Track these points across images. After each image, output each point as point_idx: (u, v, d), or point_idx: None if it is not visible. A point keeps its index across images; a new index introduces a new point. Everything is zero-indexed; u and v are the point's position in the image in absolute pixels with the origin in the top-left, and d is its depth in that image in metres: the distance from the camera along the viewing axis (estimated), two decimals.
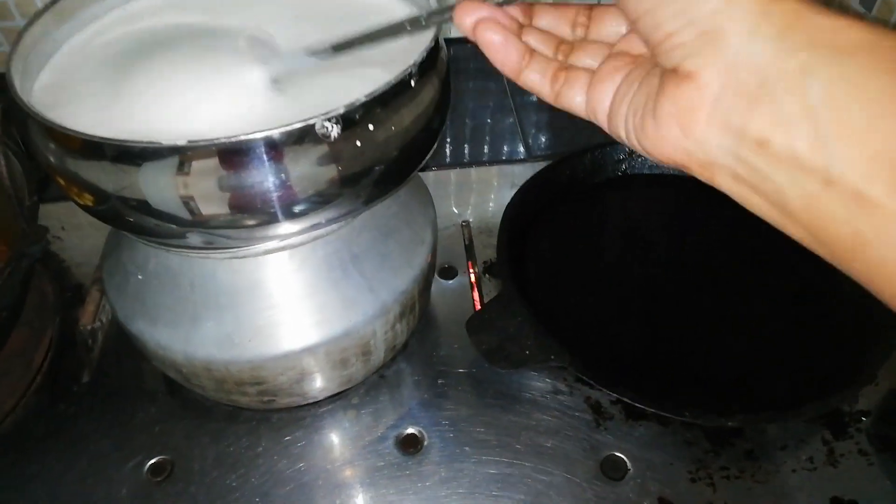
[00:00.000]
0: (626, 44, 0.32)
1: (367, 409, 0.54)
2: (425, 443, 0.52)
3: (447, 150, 0.80)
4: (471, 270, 0.65)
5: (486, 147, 0.80)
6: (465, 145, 0.80)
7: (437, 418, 0.53)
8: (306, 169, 0.37)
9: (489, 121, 0.84)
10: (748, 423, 0.50)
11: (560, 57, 0.34)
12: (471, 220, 0.69)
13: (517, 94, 0.87)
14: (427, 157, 0.45)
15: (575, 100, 0.32)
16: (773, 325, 0.58)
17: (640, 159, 0.72)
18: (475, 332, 0.54)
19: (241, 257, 0.45)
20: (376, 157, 0.40)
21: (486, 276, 0.64)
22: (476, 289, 0.63)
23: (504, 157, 0.78)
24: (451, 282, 0.64)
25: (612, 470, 0.50)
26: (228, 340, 0.46)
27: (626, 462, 0.51)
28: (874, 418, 0.53)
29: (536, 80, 0.33)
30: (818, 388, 0.51)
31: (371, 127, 0.38)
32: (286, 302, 0.46)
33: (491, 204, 0.72)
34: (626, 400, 0.50)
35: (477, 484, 0.50)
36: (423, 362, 0.57)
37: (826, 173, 0.24)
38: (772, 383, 0.53)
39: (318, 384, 0.51)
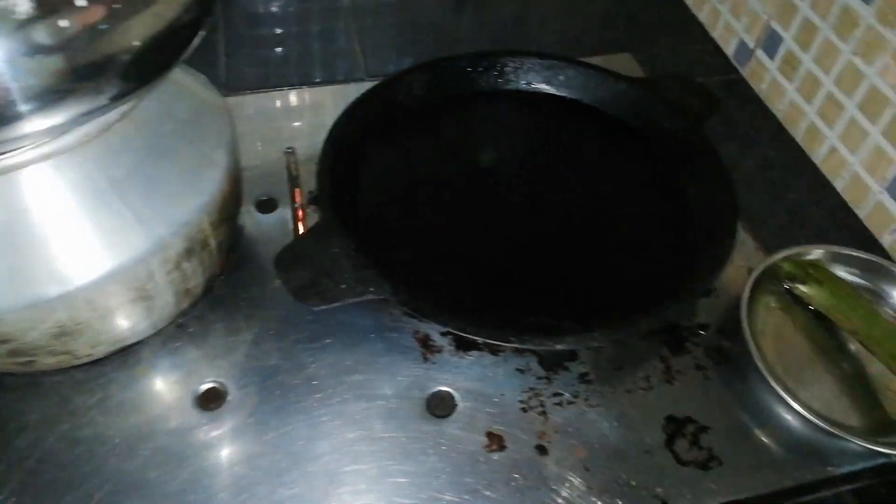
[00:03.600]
0: None
1: (161, 364, 0.47)
2: (229, 396, 0.45)
3: (283, 72, 0.71)
4: (295, 202, 0.57)
5: (322, 68, 0.72)
6: (300, 66, 0.72)
7: (243, 368, 0.47)
8: (5, 54, 0.29)
9: (327, 41, 0.76)
10: (578, 345, 0.46)
11: None
12: (297, 146, 0.62)
13: (359, 13, 0.79)
14: (184, 52, 0.37)
15: None
16: (607, 245, 0.54)
17: (483, 75, 0.66)
18: (285, 269, 0.47)
19: None
20: (96, 43, 0.32)
21: (312, 207, 0.57)
22: (299, 222, 0.56)
23: (340, 78, 0.71)
24: (270, 215, 0.56)
25: (438, 407, 0.46)
26: None
27: (454, 397, 0.46)
28: (712, 331, 0.51)
29: None
30: (654, 305, 0.47)
31: (81, 3, 0.30)
32: (25, 239, 0.38)
33: (323, 129, 0.64)
34: (451, 330, 0.45)
35: (287, 437, 0.44)
36: (230, 306, 0.50)
37: None
38: (607, 304, 0.50)
39: (88, 339, 0.43)
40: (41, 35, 0.30)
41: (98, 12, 0.32)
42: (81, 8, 0.31)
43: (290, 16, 0.79)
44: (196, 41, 0.38)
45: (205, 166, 0.45)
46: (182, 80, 0.47)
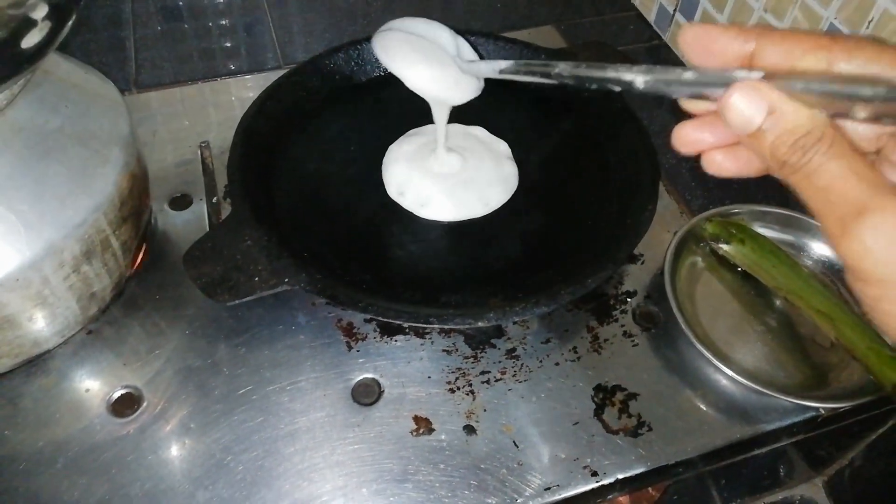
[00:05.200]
0: None
1: (72, 374, 0.45)
2: (144, 402, 0.44)
3: (196, 65, 0.69)
4: (211, 197, 0.55)
5: (237, 59, 0.70)
6: (214, 58, 0.70)
7: (160, 371, 0.45)
8: None
9: (242, 32, 0.74)
10: (499, 320, 0.45)
11: None
12: (212, 140, 0.60)
13: (273, 3, 0.77)
14: (54, 42, 0.35)
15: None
16: (535, 215, 0.53)
17: None
18: (195, 265, 0.45)
19: None
20: None
21: (228, 201, 0.55)
22: (217, 217, 0.54)
23: (255, 68, 0.69)
24: (184, 212, 0.54)
25: (364, 395, 0.44)
26: None
27: (379, 383, 0.45)
28: (640, 298, 0.50)
29: None
30: (577, 274, 0.47)
31: None
32: None
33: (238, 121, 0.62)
34: (372, 316, 0.44)
35: (208, 437, 0.42)
36: (144, 309, 0.48)
37: None
38: (534, 276, 0.49)
39: None
40: None
41: None
42: None
43: (205, 8, 0.76)
44: (66, 30, 0.36)
45: (97, 164, 0.42)
46: (70, 76, 0.45)
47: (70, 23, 0.37)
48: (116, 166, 0.43)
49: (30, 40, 0.34)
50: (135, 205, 0.46)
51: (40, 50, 0.35)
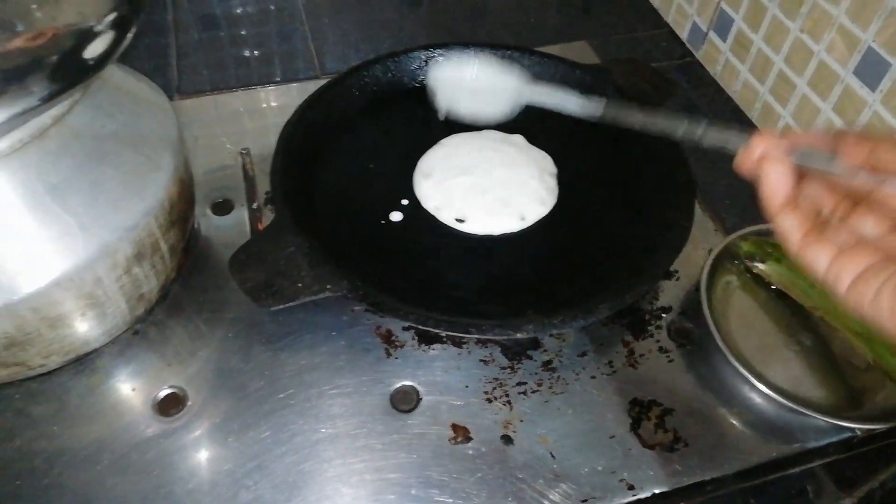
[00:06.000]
0: None
1: (118, 372, 0.46)
2: (189, 401, 0.45)
3: (236, 73, 0.70)
4: (252, 203, 0.57)
5: (276, 68, 0.71)
6: (253, 67, 0.71)
7: (203, 372, 0.46)
8: None
9: (280, 41, 0.75)
10: (538, 333, 0.46)
11: (838, 214, 0.32)
12: (253, 147, 0.61)
13: (312, 12, 0.79)
14: (117, 51, 0.37)
15: (818, 260, 0.31)
16: (572, 229, 0.54)
17: None
18: (240, 270, 0.47)
19: None
20: (25, 41, 0.31)
21: (269, 207, 0.56)
22: (256, 223, 0.55)
23: (295, 77, 0.70)
24: (226, 217, 0.55)
25: (402, 402, 0.45)
26: None
27: (418, 391, 0.46)
28: (675, 314, 0.51)
29: (787, 227, 0.32)
30: (614, 289, 0.47)
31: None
32: None
33: (279, 128, 0.64)
34: (412, 324, 0.45)
35: (250, 438, 0.43)
36: (188, 311, 0.49)
37: None
38: (570, 289, 0.49)
39: (40, 349, 0.42)
40: None
41: (21, 11, 0.31)
42: (5, 3, 0.30)
43: (243, 17, 0.78)
44: (127, 41, 0.37)
45: (149, 170, 0.44)
46: (123, 83, 0.46)
47: (131, 34, 0.38)
48: (167, 172, 0.44)
49: (92, 51, 0.36)
50: (182, 209, 0.47)
51: (102, 60, 0.36)
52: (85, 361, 0.46)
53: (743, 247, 0.52)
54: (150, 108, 0.46)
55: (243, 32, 0.75)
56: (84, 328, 0.43)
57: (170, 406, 0.44)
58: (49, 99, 0.34)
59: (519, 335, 0.43)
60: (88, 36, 0.34)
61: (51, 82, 0.34)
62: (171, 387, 0.45)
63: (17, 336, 0.40)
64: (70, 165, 0.39)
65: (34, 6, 0.32)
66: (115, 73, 0.46)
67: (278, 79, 0.70)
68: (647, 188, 0.56)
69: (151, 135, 0.45)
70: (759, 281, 0.52)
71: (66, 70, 0.34)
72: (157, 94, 0.49)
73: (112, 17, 0.35)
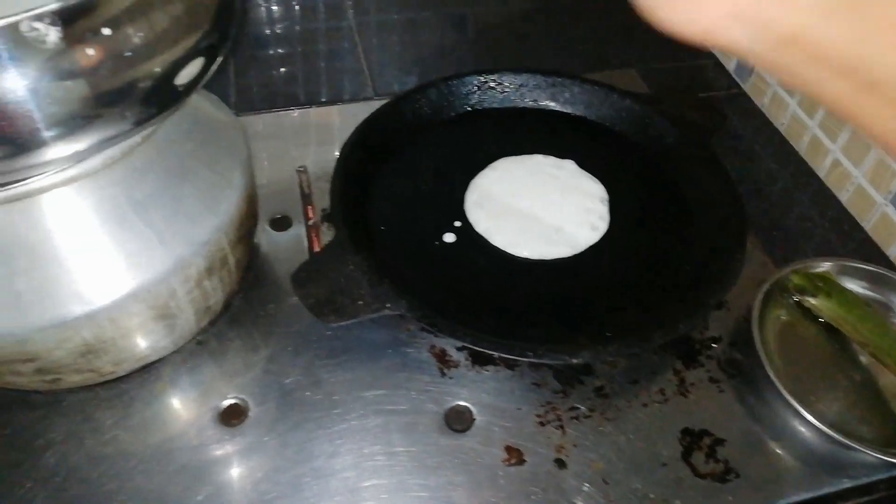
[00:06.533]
0: None
1: (182, 381, 0.47)
2: (250, 412, 0.46)
3: (291, 92, 0.72)
4: (309, 220, 0.58)
5: (330, 88, 0.73)
6: (308, 86, 0.73)
7: (264, 384, 0.47)
8: (32, 81, 0.30)
9: (335, 61, 0.77)
10: (593, 359, 0.47)
11: None
12: (309, 165, 0.63)
13: (364, 33, 0.81)
14: (205, 77, 0.38)
15: None
16: (622, 257, 0.55)
17: (489, 92, 0.67)
18: (302, 285, 0.48)
19: None
20: (122, 68, 0.33)
21: (326, 224, 0.58)
22: (313, 239, 0.57)
23: (348, 97, 0.72)
24: (285, 233, 0.57)
25: (456, 421, 0.46)
26: None
27: (471, 411, 0.46)
28: (725, 344, 0.51)
29: None
30: (666, 318, 0.48)
31: (106, 31, 0.31)
32: (50, 260, 0.38)
33: (334, 147, 0.65)
34: (467, 345, 0.46)
35: (308, 452, 0.44)
36: (249, 323, 0.50)
37: (868, 75, 0.20)
38: (621, 317, 0.50)
39: (113, 357, 0.43)
40: (69, 63, 0.31)
41: (123, 40, 0.33)
42: (108, 36, 0.32)
43: (295, 36, 0.80)
44: (216, 66, 0.39)
45: (222, 186, 0.45)
46: (198, 103, 0.48)
47: (218, 61, 0.39)
48: (238, 189, 0.46)
49: (184, 77, 0.37)
50: (249, 225, 0.49)
51: (191, 85, 0.38)
52: (151, 369, 0.47)
53: (794, 280, 0.52)
54: (222, 127, 0.48)
55: (295, 51, 0.77)
56: (154, 338, 0.45)
57: (231, 416, 0.46)
58: (140, 123, 0.36)
59: (574, 360, 0.44)
60: (181, 63, 0.36)
61: (144, 107, 0.35)
62: (233, 397, 0.46)
63: (94, 344, 0.41)
64: (153, 182, 0.41)
65: (132, 32, 0.33)
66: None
67: (333, 98, 0.71)
68: (697, 218, 0.57)
69: (224, 153, 0.47)
70: (809, 315, 0.53)
71: (158, 96, 0.36)
72: (226, 113, 0.51)
73: (204, 44, 0.37)
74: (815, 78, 0.22)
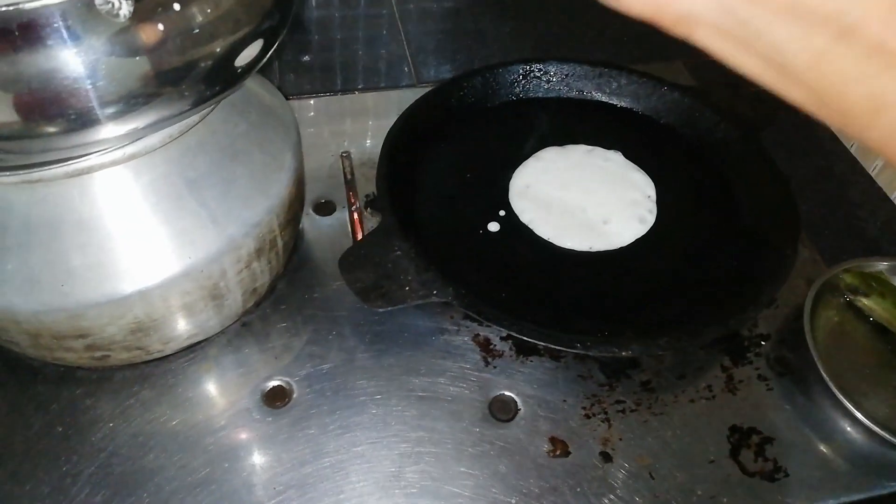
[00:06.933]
0: None
1: (227, 362, 0.47)
2: (294, 395, 0.46)
3: (335, 77, 0.72)
4: (352, 205, 0.58)
5: (373, 74, 0.73)
6: (351, 72, 0.73)
7: (308, 367, 0.47)
8: (96, 57, 0.30)
9: (377, 47, 0.77)
10: (643, 352, 0.46)
11: None
12: (352, 150, 0.62)
13: (407, 20, 0.80)
14: (264, 58, 0.38)
15: None
16: (669, 250, 0.54)
17: (535, 82, 0.66)
18: (349, 270, 0.48)
19: (41, 182, 0.36)
20: (186, 47, 0.33)
21: (368, 210, 0.58)
22: (357, 225, 0.57)
23: (390, 84, 0.71)
24: (328, 218, 0.57)
25: (501, 411, 0.46)
26: (36, 285, 0.38)
27: (516, 401, 0.46)
28: (774, 342, 0.50)
29: None
30: (716, 314, 0.47)
31: (177, 7, 0.31)
32: (104, 237, 0.39)
33: (376, 133, 0.65)
34: (514, 334, 0.45)
35: (352, 435, 0.44)
36: (293, 307, 0.50)
37: (839, 23, 0.19)
38: (668, 311, 0.50)
39: (162, 335, 0.44)
40: (137, 38, 0.31)
41: (190, 17, 0.33)
42: (176, 13, 0.32)
43: (336, 22, 0.80)
44: (273, 50, 0.39)
45: (273, 169, 0.45)
46: (250, 85, 0.48)
47: (278, 42, 0.39)
48: (289, 172, 0.46)
49: (243, 58, 0.37)
50: (296, 209, 0.49)
51: (250, 67, 0.38)
52: (196, 349, 0.48)
53: (846, 279, 0.51)
54: (274, 110, 0.48)
55: (342, 38, 0.77)
56: (203, 318, 0.45)
57: (275, 398, 0.46)
58: (199, 104, 0.36)
59: (624, 353, 0.44)
60: (241, 44, 0.36)
61: (203, 88, 0.35)
62: (277, 379, 0.47)
63: (144, 321, 0.42)
64: (207, 162, 0.41)
65: (198, 10, 0.33)
66: None
67: (374, 84, 0.71)
68: (747, 213, 0.56)
69: (276, 135, 0.47)
70: (860, 315, 0.51)
71: (218, 77, 0.36)
72: (277, 96, 0.50)
73: (263, 26, 0.37)
74: (780, 35, 0.21)
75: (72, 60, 0.30)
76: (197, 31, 0.33)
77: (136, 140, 0.37)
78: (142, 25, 0.31)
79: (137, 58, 0.32)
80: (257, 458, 0.43)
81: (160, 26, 0.31)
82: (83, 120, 0.32)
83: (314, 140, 0.63)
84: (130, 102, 0.33)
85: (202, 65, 0.34)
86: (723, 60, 0.24)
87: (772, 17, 0.21)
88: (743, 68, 0.23)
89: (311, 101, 0.68)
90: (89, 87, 0.31)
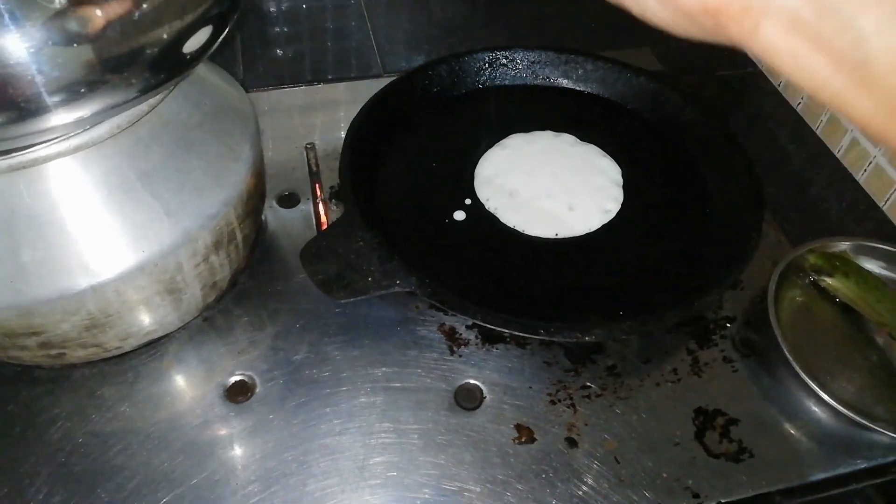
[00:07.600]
0: None
1: (188, 358, 0.47)
2: (258, 389, 0.45)
3: (302, 69, 0.71)
4: (316, 196, 0.57)
5: (340, 65, 0.72)
6: (315, 63, 0.72)
7: (271, 361, 0.47)
8: (34, 43, 0.29)
9: (343, 39, 0.76)
10: (607, 337, 0.46)
11: None
12: (318, 142, 0.62)
13: (373, 11, 0.79)
14: (214, 45, 0.37)
15: None
16: (636, 235, 0.54)
17: (501, 69, 0.66)
18: (311, 262, 0.47)
19: None
20: (129, 33, 0.32)
21: (333, 202, 0.57)
22: (321, 217, 0.56)
23: (358, 75, 0.71)
24: (292, 210, 0.56)
25: (466, 399, 0.45)
26: None
27: (482, 389, 0.46)
28: (739, 324, 0.50)
29: None
30: (680, 297, 0.47)
31: None
32: (55, 232, 0.38)
33: (342, 124, 0.64)
34: (478, 322, 0.45)
35: (316, 428, 0.44)
36: (255, 300, 0.50)
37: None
38: (634, 295, 0.50)
39: (118, 332, 0.43)
40: (75, 25, 0.30)
41: (132, 3, 0.32)
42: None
43: (302, 13, 0.79)
44: (224, 34, 0.38)
45: (230, 160, 0.45)
46: (206, 75, 0.47)
47: (227, 30, 0.39)
48: (246, 163, 0.45)
49: (191, 45, 0.36)
50: (256, 201, 0.48)
51: (199, 54, 0.37)
52: (156, 345, 0.47)
53: (810, 260, 0.51)
54: (231, 101, 0.47)
55: (307, 29, 0.76)
56: (160, 313, 0.44)
57: (237, 393, 0.45)
58: (146, 91, 0.35)
59: (587, 338, 0.43)
60: (189, 31, 0.35)
61: (150, 75, 0.34)
62: (239, 374, 0.46)
63: (99, 317, 0.41)
64: (160, 153, 0.41)
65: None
66: (200, 66, 0.47)
67: (341, 75, 0.70)
68: (712, 197, 0.56)
69: (233, 126, 0.46)
70: (826, 295, 0.52)
71: (165, 63, 0.35)
72: (235, 87, 0.50)
73: (212, 12, 0.36)
74: (869, 24, 0.19)
75: (11, 47, 0.29)
76: (139, 16, 0.32)
77: (83, 130, 0.37)
78: (80, 9, 0.30)
79: (79, 44, 0.31)
80: (220, 454, 0.43)
81: (98, 11, 0.31)
82: (26, 108, 0.31)
83: (279, 132, 0.63)
84: (75, 90, 0.32)
85: (148, 51, 0.34)
86: (781, 67, 0.22)
87: (865, 1, 0.19)
88: (805, 73, 0.21)
89: (275, 94, 0.67)
90: (31, 74, 0.30)
